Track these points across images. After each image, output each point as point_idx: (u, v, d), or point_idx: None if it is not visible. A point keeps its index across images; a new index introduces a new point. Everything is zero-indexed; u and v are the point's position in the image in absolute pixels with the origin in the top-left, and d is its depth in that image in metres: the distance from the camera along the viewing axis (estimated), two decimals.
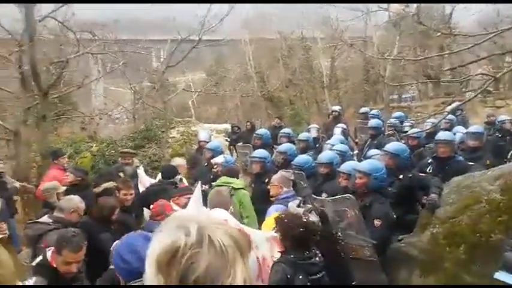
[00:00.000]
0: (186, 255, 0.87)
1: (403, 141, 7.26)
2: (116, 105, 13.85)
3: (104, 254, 3.69)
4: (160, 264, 0.89)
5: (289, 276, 3.02)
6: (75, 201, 4.14)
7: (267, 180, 5.48)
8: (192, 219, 0.93)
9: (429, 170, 5.24)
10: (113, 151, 9.01)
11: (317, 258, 3.18)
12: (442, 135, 5.56)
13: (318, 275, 3.14)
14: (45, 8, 9.22)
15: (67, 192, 5.30)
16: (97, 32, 10.61)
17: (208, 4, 12.40)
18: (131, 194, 4.86)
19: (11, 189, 6.45)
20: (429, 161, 5.37)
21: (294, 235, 3.12)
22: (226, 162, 6.01)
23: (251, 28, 21.06)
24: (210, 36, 14.38)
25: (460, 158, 5.42)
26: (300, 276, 3.04)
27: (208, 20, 12.58)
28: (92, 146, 9.89)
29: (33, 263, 3.14)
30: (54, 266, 2.99)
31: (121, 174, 6.11)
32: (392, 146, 5.31)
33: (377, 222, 4.12)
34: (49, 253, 3.07)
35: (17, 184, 6.54)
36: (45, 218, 3.93)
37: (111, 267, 3.28)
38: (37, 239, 3.74)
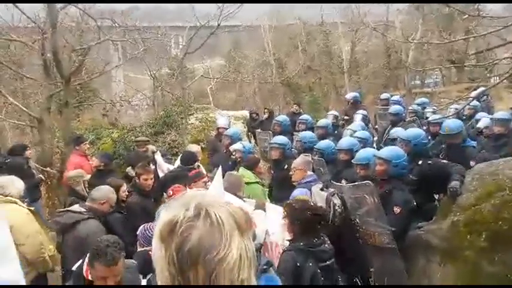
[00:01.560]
0: (182, 227, 0.92)
1: (424, 128, 7.13)
2: (135, 92, 14.00)
3: (113, 233, 3.82)
4: (163, 235, 0.94)
5: (299, 264, 3.02)
6: (107, 191, 4.16)
7: (286, 167, 5.49)
8: (195, 197, 0.98)
9: (442, 156, 5.18)
10: (133, 137, 9.14)
11: (326, 245, 3.17)
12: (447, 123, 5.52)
13: (328, 262, 3.14)
14: None
15: (92, 177, 5.45)
16: (117, 19, 10.68)
17: None
18: (151, 179, 4.95)
19: (37, 175, 6.67)
20: (442, 147, 5.31)
21: (302, 219, 3.11)
22: (244, 148, 6.04)
23: (270, 14, 20.86)
24: (228, 23, 14.30)
25: (470, 144, 5.35)
26: (310, 264, 3.04)
27: (227, 6, 12.49)
28: (112, 132, 10.05)
29: (74, 267, 3.00)
30: (90, 278, 2.67)
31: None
32: (406, 132, 5.22)
33: (396, 210, 4.08)
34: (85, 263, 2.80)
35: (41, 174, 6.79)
36: (76, 207, 3.99)
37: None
38: (69, 228, 3.83)
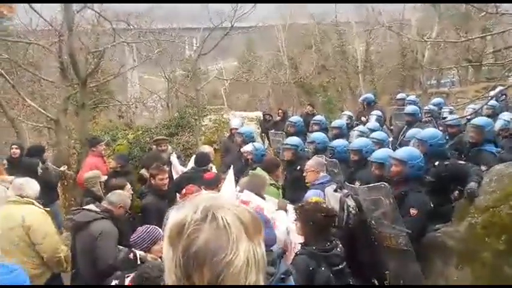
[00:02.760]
0: (189, 230, 0.93)
1: (441, 128, 7.01)
2: (150, 93, 14.14)
3: (121, 235, 3.86)
4: (171, 237, 0.95)
5: (311, 268, 3.00)
6: (124, 196, 4.21)
7: (298, 168, 5.47)
8: (205, 199, 0.98)
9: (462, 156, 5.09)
10: (148, 138, 9.23)
11: (338, 249, 3.15)
12: (474, 120, 5.38)
13: (340, 266, 3.12)
14: None
15: (108, 178, 5.52)
16: (132, 21, 10.81)
17: None
18: (166, 179, 4.98)
19: (55, 176, 6.79)
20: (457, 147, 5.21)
21: (314, 221, 3.09)
22: (256, 150, 6.02)
23: (284, 14, 20.82)
24: (242, 24, 14.31)
25: (489, 148, 5.15)
26: (323, 268, 3.02)
27: (241, 6, 12.50)
28: (128, 134, 10.17)
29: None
30: None
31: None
32: (422, 132, 5.15)
33: (413, 212, 4.02)
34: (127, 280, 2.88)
35: (63, 167, 6.92)
36: (92, 207, 4.05)
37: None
38: (83, 226, 3.88)
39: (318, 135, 6.52)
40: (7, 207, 4.10)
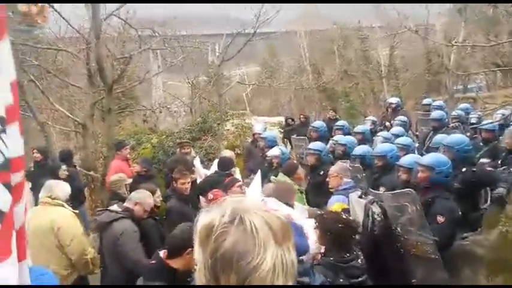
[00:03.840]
0: (217, 232, 0.94)
1: (468, 134, 6.84)
2: (174, 98, 14.34)
3: (147, 239, 3.90)
4: (201, 239, 0.97)
5: (329, 279, 2.93)
6: (144, 194, 4.20)
7: (322, 173, 5.44)
8: (233, 203, 0.99)
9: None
10: (171, 143, 9.34)
11: (359, 261, 3.06)
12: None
13: (360, 279, 3.02)
14: (109, 7, 9.73)
15: (133, 183, 5.61)
16: (157, 28, 11.01)
17: None
18: (188, 183, 5.01)
19: (83, 180, 7.00)
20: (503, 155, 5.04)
21: (333, 231, 3.03)
22: (282, 154, 6.02)
23: (306, 19, 20.81)
24: (264, 29, 14.37)
25: None
26: (341, 280, 2.95)
27: (264, 12, 12.57)
28: (152, 138, 10.33)
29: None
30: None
31: None
32: (449, 138, 5.03)
33: (440, 219, 3.92)
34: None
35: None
36: (115, 207, 4.14)
37: None
38: (106, 226, 3.96)
39: (350, 139, 6.53)
40: (37, 209, 4.23)
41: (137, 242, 3.85)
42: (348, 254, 3.05)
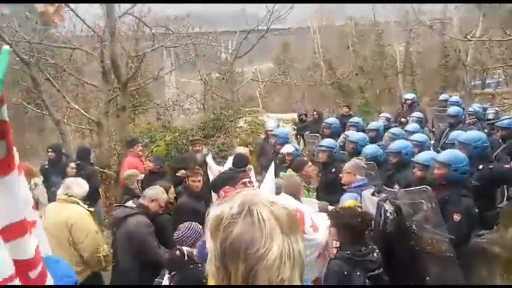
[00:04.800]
0: (225, 223, 0.98)
1: (485, 131, 6.70)
2: (187, 96, 14.40)
3: (163, 234, 3.95)
4: (211, 230, 1.01)
5: (346, 272, 2.97)
6: (158, 191, 4.28)
7: (334, 170, 5.40)
8: (243, 195, 1.02)
9: None
10: (185, 140, 9.39)
11: (375, 254, 3.09)
12: None
13: (376, 272, 3.05)
14: (123, 5, 9.82)
15: (146, 179, 5.66)
16: (170, 26, 11.05)
17: None
18: (199, 181, 5.05)
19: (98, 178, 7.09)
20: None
21: (350, 226, 3.06)
22: (296, 151, 5.99)
23: (320, 15, 20.65)
24: (277, 25, 14.31)
25: None
26: (358, 273, 2.98)
27: (277, 9, 12.51)
28: (165, 135, 10.39)
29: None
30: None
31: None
32: (465, 134, 4.92)
33: (456, 217, 3.84)
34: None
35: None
36: (130, 203, 4.23)
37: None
38: (120, 221, 4.05)
39: (360, 136, 6.46)
40: (53, 205, 4.31)
41: (152, 235, 3.93)
42: (364, 248, 3.07)
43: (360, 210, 3.31)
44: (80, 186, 4.32)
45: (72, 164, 6.27)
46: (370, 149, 5.79)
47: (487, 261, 3.86)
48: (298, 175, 5.10)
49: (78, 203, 4.22)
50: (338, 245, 3.25)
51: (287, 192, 3.85)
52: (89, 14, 9.78)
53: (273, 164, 4.45)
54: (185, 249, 3.28)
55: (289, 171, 5.25)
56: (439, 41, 17.85)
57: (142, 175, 5.76)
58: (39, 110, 10.81)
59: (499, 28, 15.88)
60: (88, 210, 4.29)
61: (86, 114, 9.49)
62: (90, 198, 4.70)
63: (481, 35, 13.79)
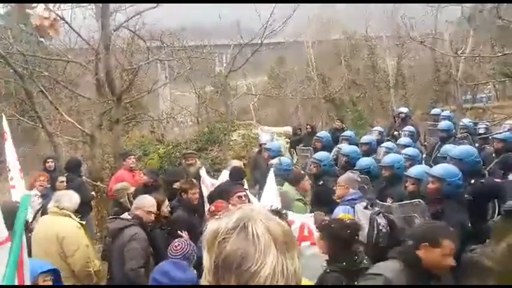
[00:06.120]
0: (220, 238, 0.98)
1: (477, 145, 6.78)
2: (181, 109, 14.42)
3: (155, 249, 3.92)
4: (207, 245, 1.01)
5: (344, 283, 2.97)
6: (148, 201, 4.26)
7: (322, 183, 5.43)
8: (241, 211, 1.02)
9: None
10: (178, 153, 9.37)
11: (365, 261, 3.12)
12: None
13: None
14: (118, 19, 9.89)
15: (139, 193, 5.62)
16: (165, 39, 11.13)
17: (271, 7, 12.45)
18: (198, 193, 5.06)
19: (90, 192, 7.01)
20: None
21: (342, 238, 3.09)
22: (280, 164, 6.01)
23: (314, 29, 20.88)
24: (272, 40, 14.44)
25: None
26: (356, 283, 2.96)
27: (271, 23, 12.66)
28: (159, 149, 10.37)
29: None
30: None
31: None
32: (457, 150, 4.95)
33: None
34: None
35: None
36: (125, 215, 4.19)
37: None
38: (118, 232, 4.02)
39: (352, 149, 6.48)
40: (45, 218, 4.27)
41: (144, 248, 3.91)
42: (356, 257, 3.10)
43: (347, 221, 3.32)
44: (71, 198, 4.29)
45: (61, 178, 6.20)
46: (365, 161, 5.83)
47: (479, 275, 3.86)
48: (296, 188, 5.13)
49: (69, 216, 4.18)
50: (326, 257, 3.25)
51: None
52: (84, 27, 9.83)
53: (272, 173, 4.47)
54: None
55: (287, 185, 5.27)
56: (431, 55, 18.12)
57: (133, 188, 5.73)
58: (32, 123, 10.77)
59: (490, 43, 16.22)
60: (79, 223, 4.25)
61: (79, 126, 9.46)
62: (81, 211, 4.67)
63: (472, 50, 14.03)
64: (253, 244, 0.95)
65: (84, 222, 4.37)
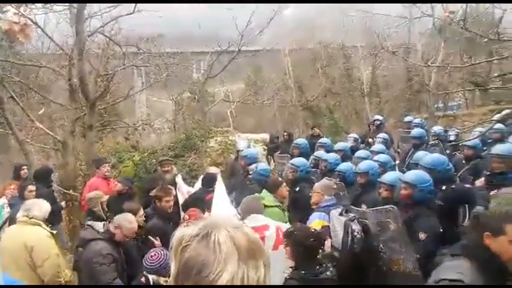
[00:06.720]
0: (183, 245, 1.00)
1: (447, 151, 6.97)
2: (157, 115, 14.28)
3: (128, 259, 3.85)
4: (173, 250, 1.03)
5: None
6: (123, 219, 4.05)
7: (298, 189, 5.47)
8: (208, 219, 1.05)
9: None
10: (154, 160, 9.25)
11: (328, 273, 3.12)
12: (497, 148, 5.21)
13: None
14: (93, 24, 9.75)
15: (113, 201, 5.51)
16: (142, 45, 11.03)
17: (249, 15, 12.54)
18: (172, 200, 5.00)
19: (59, 201, 6.82)
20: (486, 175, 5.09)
21: (305, 246, 3.11)
22: (258, 170, 6.02)
23: (291, 38, 21.13)
24: (249, 47, 14.54)
25: None
26: None
27: (249, 30, 12.73)
28: (134, 156, 10.21)
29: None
30: None
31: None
32: (429, 159, 5.04)
33: (422, 236, 3.94)
34: None
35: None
36: (99, 225, 4.05)
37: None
38: (85, 243, 3.92)
39: (331, 155, 6.59)
40: (12, 227, 4.12)
41: (108, 265, 3.77)
42: (318, 267, 3.12)
43: (313, 230, 3.35)
44: (41, 207, 4.17)
45: (31, 187, 5.99)
46: (344, 165, 5.94)
47: None
48: (274, 195, 5.13)
49: (40, 225, 4.06)
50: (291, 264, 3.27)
51: (245, 214, 3.85)
52: (58, 32, 9.64)
53: (219, 178, 4.47)
54: (150, 277, 3.21)
55: (265, 192, 5.25)
56: (404, 65, 18.61)
57: (107, 196, 5.60)
58: (2, 129, 10.41)
59: (460, 55, 16.81)
60: (50, 233, 4.13)
61: (50, 133, 9.21)
62: (51, 221, 4.53)
63: (443, 61, 14.47)
64: (213, 252, 0.95)
65: (55, 232, 4.24)
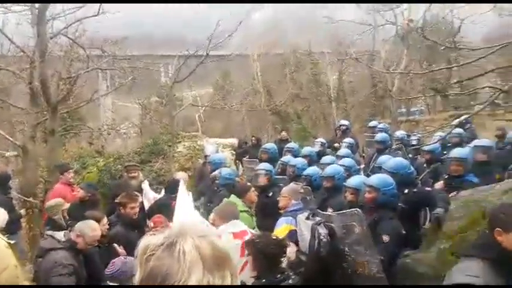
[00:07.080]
0: (147, 254, 0.98)
1: (410, 155, 7.19)
2: (123, 120, 13.99)
3: (90, 267, 3.77)
4: (138, 259, 1.01)
5: None
6: (85, 226, 3.90)
7: (271, 194, 5.49)
8: (176, 227, 1.02)
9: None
10: (120, 166, 9.05)
11: (290, 281, 3.09)
12: (455, 152, 5.41)
13: None
14: (56, 25, 9.45)
15: (75, 208, 5.32)
16: (106, 48, 10.78)
17: (216, 19, 12.51)
18: (138, 207, 4.87)
19: (18, 209, 6.52)
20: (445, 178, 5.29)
21: (266, 254, 3.06)
22: (222, 175, 6.01)
23: (259, 43, 21.26)
24: (217, 52, 14.50)
25: (473, 178, 5.13)
26: None
27: (217, 35, 12.70)
28: (98, 161, 9.94)
29: None
30: None
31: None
32: (392, 163, 5.14)
33: (385, 238, 4.04)
34: None
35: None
36: (60, 235, 3.88)
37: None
38: (44, 253, 3.75)
39: (299, 160, 6.64)
40: None
41: (68, 275, 3.63)
42: (279, 275, 3.08)
43: (275, 238, 3.31)
44: None
45: None
46: (311, 170, 6.01)
47: (413, 280, 4.07)
48: (242, 200, 5.13)
49: None
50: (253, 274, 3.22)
51: (223, 220, 3.82)
52: (18, 34, 9.28)
53: (182, 183, 4.45)
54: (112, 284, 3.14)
55: (233, 197, 5.24)
56: (369, 71, 19.14)
57: (68, 204, 5.41)
58: None
59: (420, 62, 17.48)
60: (7, 243, 3.94)
61: (10, 138, 8.83)
62: (9, 230, 4.33)
63: (406, 67, 15.00)
64: (178, 261, 0.94)
65: (12, 242, 4.04)
